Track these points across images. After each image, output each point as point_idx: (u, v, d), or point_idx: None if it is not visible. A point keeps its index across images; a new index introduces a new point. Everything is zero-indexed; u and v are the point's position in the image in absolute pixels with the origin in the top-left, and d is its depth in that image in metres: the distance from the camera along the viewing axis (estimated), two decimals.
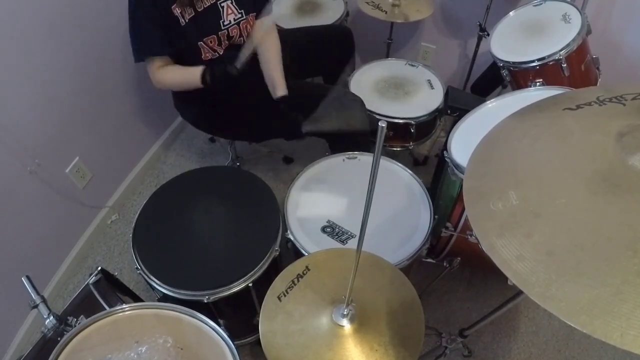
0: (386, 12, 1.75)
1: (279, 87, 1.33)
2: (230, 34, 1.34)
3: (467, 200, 0.63)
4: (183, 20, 1.25)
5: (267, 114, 1.46)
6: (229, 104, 1.45)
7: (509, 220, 0.57)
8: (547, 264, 0.51)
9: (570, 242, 0.52)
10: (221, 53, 1.35)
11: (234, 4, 1.32)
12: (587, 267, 0.49)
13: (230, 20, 1.33)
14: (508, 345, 1.49)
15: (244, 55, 1.26)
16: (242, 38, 1.38)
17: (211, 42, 1.32)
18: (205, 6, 1.27)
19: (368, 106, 1.55)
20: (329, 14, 1.94)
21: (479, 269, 1.65)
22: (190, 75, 1.29)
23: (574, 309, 0.47)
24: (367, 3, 1.79)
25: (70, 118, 1.52)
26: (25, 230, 1.44)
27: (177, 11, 1.24)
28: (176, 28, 1.26)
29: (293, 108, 1.32)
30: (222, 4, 1.30)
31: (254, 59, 1.44)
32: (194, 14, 1.26)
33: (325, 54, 1.70)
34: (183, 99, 1.50)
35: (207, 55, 1.33)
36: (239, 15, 1.34)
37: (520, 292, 0.96)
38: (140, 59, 1.31)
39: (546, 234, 0.54)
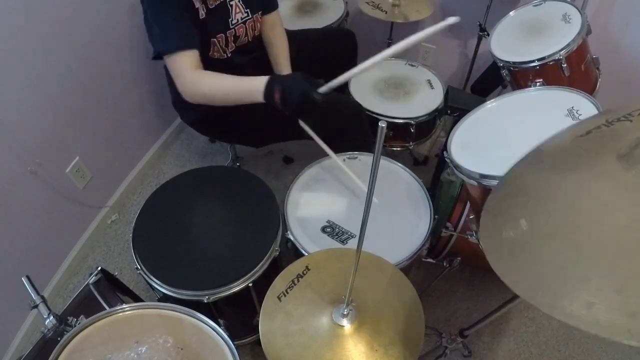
0: (386, 12, 1.75)
1: (282, 64, 1.40)
2: (237, 33, 1.33)
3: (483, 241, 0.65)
4: (202, 13, 1.23)
5: (268, 120, 1.46)
6: (227, 109, 1.45)
7: (520, 244, 0.59)
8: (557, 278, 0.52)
9: (579, 255, 0.53)
10: (229, 55, 1.35)
11: (240, 2, 1.32)
12: (595, 274, 0.50)
13: (237, 19, 1.32)
14: (508, 345, 1.49)
15: (338, 82, 1.03)
16: (247, 37, 1.37)
17: (220, 41, 1.31)
18: (216, 3, 1.26)
19: (368, 106, 1.55)
20: (329, 14, 1.94)
21: (479, 269, 1.65)
22: (245, 85, 1.08)
23: (585, 315, 0.47)
24: (367, 3, 1.79)
25: (70, 118, 1.52)
26: (25, 230, 1.44)
27: (197, 3, 1.20)
28: (196, 20, 1.22)
29: None
30: (231, 2, 1.29)
31: (256, 60, 1.45)
32: (206, 10, 1.25)
33: (327, 57, 1.70)
34: (181, 100, 1.49)
35: (215, 54, 1.33)
36: (245, 15, 1.34)
37: None
38: (160, 56, 1.16)
39: (554, 251, 0.55)
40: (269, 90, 1.05)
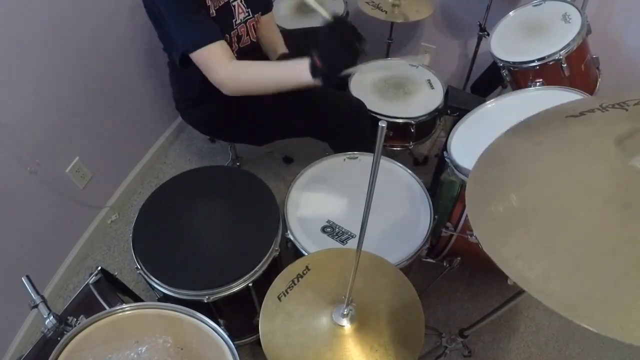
0: (386, 12, 1.75)
1: (280, 47, 1.41)
2: (240, 33, 1.34)
3: (468, 203, 0.64)
4: (213, 12, 1.22)
5: (269, 119, 1.46)
6: (230, 108, 1.45)
7: (509, 220, 0.58)
8: (546, 260, 0.52)
9: (569, 239, 0.53)
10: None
11: (242, 2, 1.32)
12: (586, 262, 0.50)
13: (240, 19, 1.33)
14: (508, 345, 1.49)
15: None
16: (248, 37, 1.38)
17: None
18: (220, 5, 1.26)
19: (368, 106, 1.55)
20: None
21: (479, 269, 1.65)
22: (289, 69, 1.08)
23: (574, 304, 0.47)
24: (367, 3, 1.79)
25: (70, 118, 1.52)
26: (25, 230, 1.44)
27: (209, 2, 1.20)
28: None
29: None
30: (233, 3, 1.29)
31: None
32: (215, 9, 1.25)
33: None
34: (184, 100, 1.50)
35: None
36: (247, 14, 1.34)
37: (520, 292, 0.96)
38: (184, 60, 1.13)
39: (544, 231, 0.55)
40: (312, 67, 1.04)
